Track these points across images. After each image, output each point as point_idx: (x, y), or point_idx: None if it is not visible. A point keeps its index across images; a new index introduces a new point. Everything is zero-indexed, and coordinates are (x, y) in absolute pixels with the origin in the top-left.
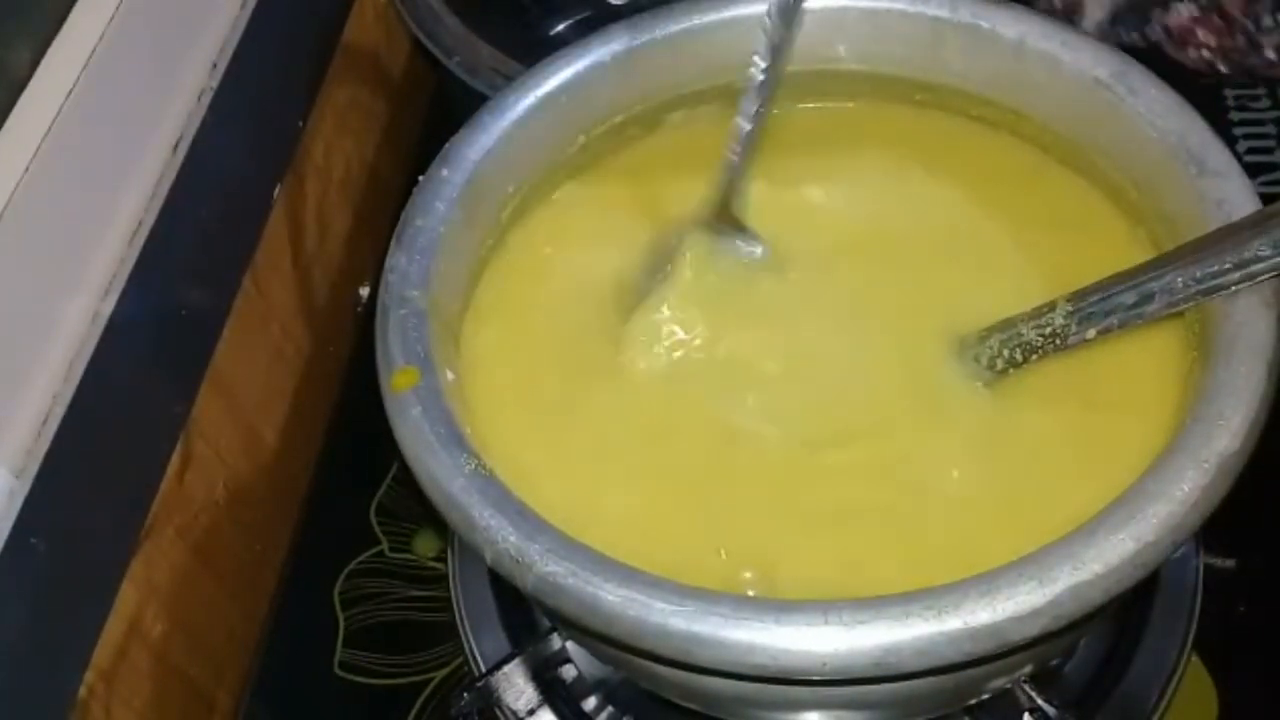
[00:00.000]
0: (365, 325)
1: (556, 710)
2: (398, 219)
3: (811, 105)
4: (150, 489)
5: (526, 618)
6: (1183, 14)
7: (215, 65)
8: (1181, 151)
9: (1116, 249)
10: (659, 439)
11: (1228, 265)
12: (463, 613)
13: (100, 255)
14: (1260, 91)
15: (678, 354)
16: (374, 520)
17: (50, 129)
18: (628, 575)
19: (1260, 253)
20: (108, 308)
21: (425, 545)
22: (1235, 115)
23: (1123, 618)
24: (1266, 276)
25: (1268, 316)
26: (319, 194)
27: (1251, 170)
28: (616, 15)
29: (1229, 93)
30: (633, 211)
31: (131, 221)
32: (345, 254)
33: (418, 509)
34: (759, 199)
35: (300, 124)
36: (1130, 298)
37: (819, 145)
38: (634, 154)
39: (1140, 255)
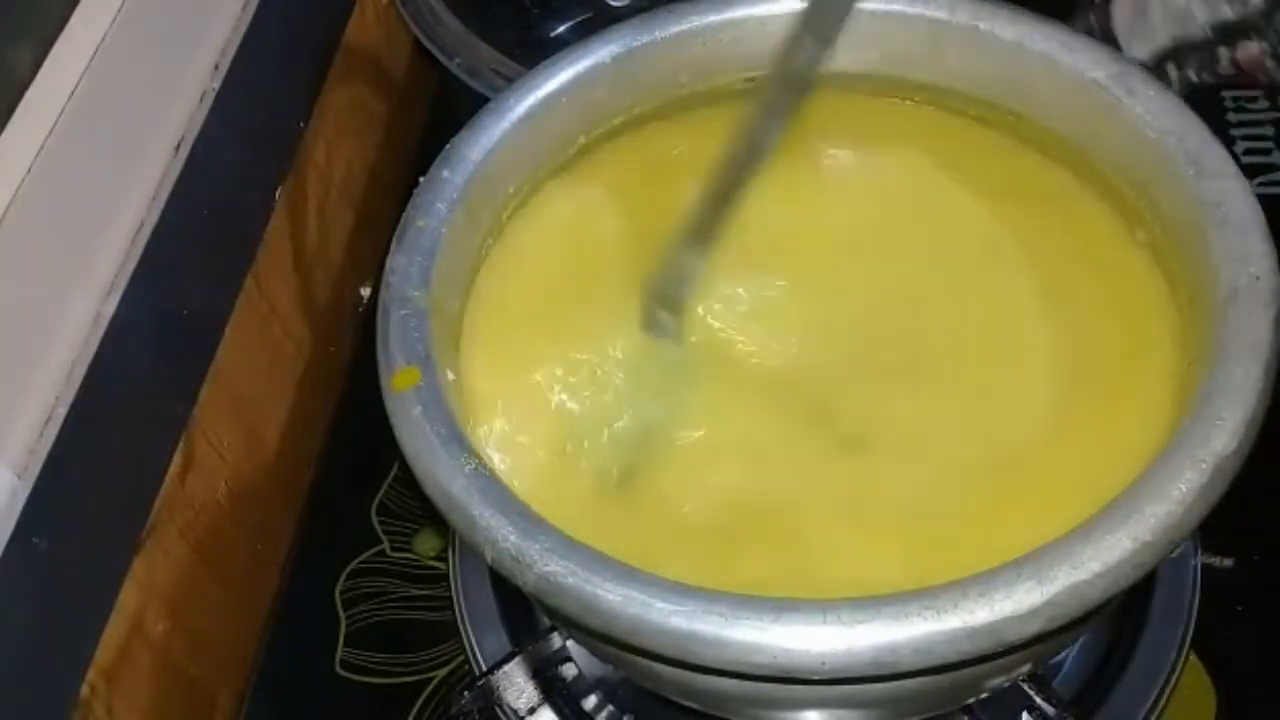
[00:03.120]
0: (366, 325)
1: (557, 709)
2: (399, 219)
3: (810, 105)
4: (152, 489)
5: (527, 617)
6: (1253, 49)
7: (217, 66)
8: (1179, 153)
9: (1113, 250)
10: (660, 441)
11: None
12: (463, 612)
13: (103, 255)
14: (1258, 93)
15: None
16: (375, 520)
17: (53, 129)
18: (627, 574)
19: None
20: (110, 308)
21: (426, 545)
22: (1233, 117)
23: (1121, 617)
24: None
25: (1265, 317)
26: (320, 195)
27: (1249, 171)
28: (617, 17)
29: (1227, 94)
30: (632, 213)
31: (134, 222)
32: (346, 254)
33: (418, 508)
34: (754, 196)
35: (302, 125)
36: None
37: (815, 144)
38: (634, 155)
39: (1136, 256)
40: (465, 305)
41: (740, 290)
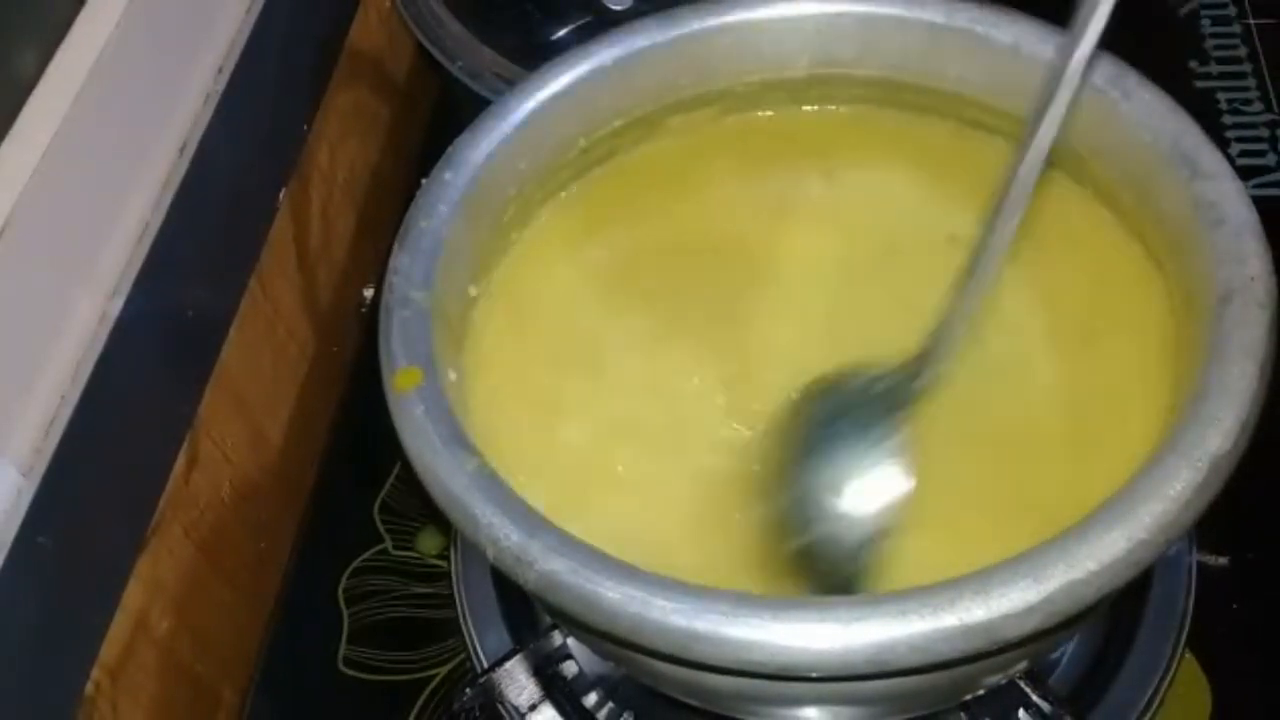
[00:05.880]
0: (369, 326)
1: (558, 706)
2: (401, 221)
3: (809, 109)
4: (157, 488)
5: (528, 614)
6: None
7: (221, 69)
8: (1175, 155)
9: (1109, 251)
10: (658, 442)
11: None
12: (465, 609)
13: (107, 256)
14: (1253, 95)
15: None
16: (378, 518)
17: (58, 131)
18: (627, 573)
19: None
20: (115, 308)
21: (428, 543)
22: (1228, 119)
23: (1117, 615)
24: None
25: (1261, 317)
26: (323, 196)
27: (1244, 173)
28: (617, 21)
29: (1222, 96)
30: (632, 213)
31: (138, 223)
32: (349, 256)
33: (421, 507)
34: (754, 198)
35: (305, 127)
36: None
37: (814, 148)
38: (634, 157)
39: (1132, 257)
40: (468, 307)
41: (741, 308)
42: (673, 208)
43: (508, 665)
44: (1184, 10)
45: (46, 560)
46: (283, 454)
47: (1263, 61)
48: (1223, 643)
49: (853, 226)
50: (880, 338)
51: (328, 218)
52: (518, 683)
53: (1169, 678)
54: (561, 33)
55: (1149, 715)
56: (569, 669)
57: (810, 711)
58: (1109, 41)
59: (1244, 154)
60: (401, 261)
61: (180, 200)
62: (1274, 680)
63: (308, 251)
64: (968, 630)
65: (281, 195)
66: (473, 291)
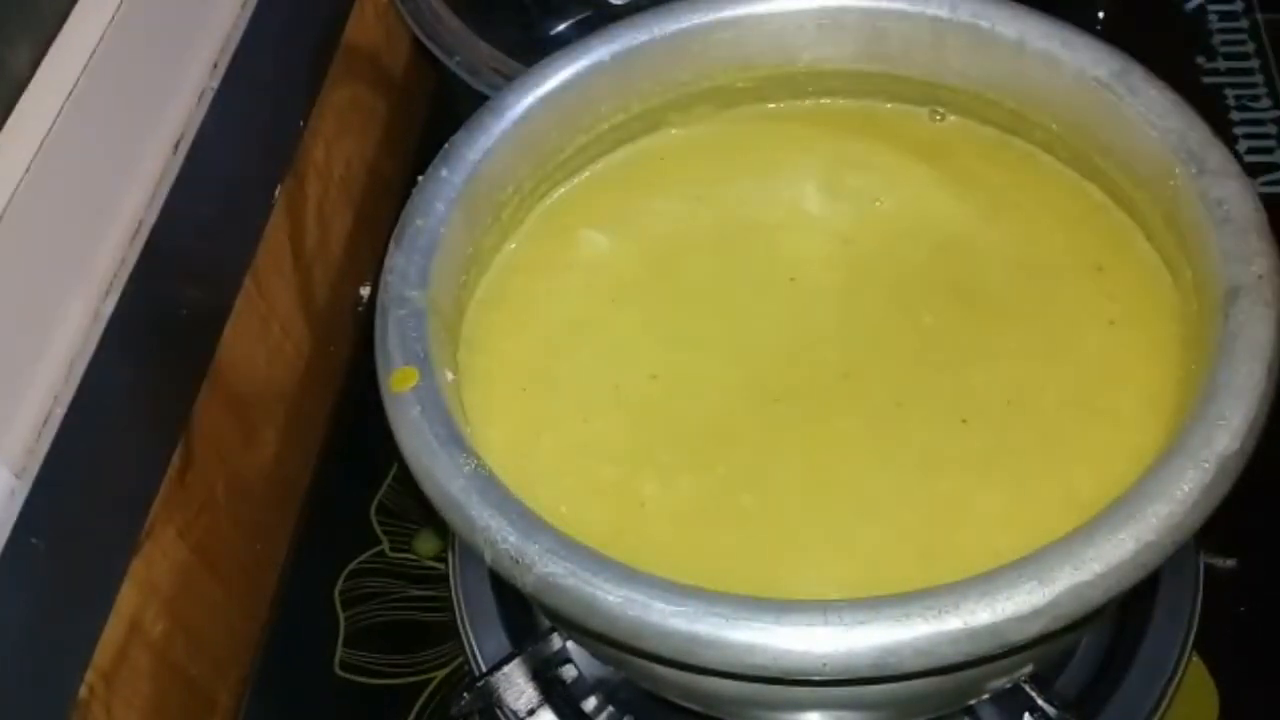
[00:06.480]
0: (366, 325)
1: (557, 710)
2: (398, 218)
3: (809, 103)
4: (151, 489)
5: (527, 618)
6: None
7: (216, 65)
8: (1182, 151)
9: (1115, 249)
10: (658, 438)
11: None
12: (463, 612)
13: (101, 255)
14: (1261, 91)
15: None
16: (374, 520)
17: (51, 128)
18: (627, 575)
19: None
20: (109, 307)
21: (425, 545)
22: (1236, 115)
23: (1123, 618)
24: None
25: (1267, 316)
26: (319, 194)
27: (1252, 170)
28: (616, 15)
29: (1230, 92)
30: (632, 210)
31: (132, 221)
32: (346, 254)
33: (418, 509)
34: (753, 194)
35: (301, 123)
36: None
37: (816, 143)
38: (633, 153)
39: (1139, 254)
40: (465, 306)
41: (739, 305)
42: (673, 203)
43: (506, 669)
44: (1191, 5)
45: (39, 562)
46: (278, 455)
47: (1270, 57)
48: (1230, 646)
49: (854, 222)
50: (885, 332)
51: (324, 215)
52: (516, 687)
53: (1176, 681)
54: (560, 27)
55: (1156, 719)
56: (568, 673)
57: (813, 715)
58: (1116, 37)
59: (1252, 151)
60: (397, 260)
61: (175, 198)
62: None
63: (303, 249)
64: (973, 633)
65: (277, 192)
66: (470, 290)
